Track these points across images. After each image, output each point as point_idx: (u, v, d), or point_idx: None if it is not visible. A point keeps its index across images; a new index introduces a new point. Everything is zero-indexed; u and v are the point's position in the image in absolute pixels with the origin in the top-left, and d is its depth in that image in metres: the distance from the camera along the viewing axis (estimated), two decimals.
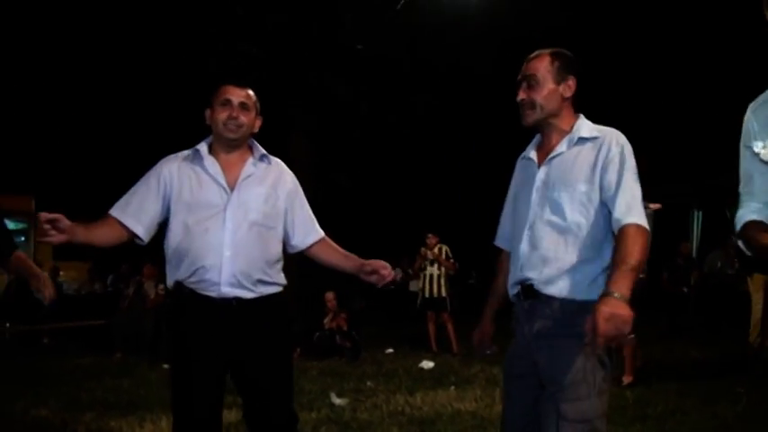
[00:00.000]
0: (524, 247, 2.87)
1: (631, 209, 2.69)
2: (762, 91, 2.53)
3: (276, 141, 3.50)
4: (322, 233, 3.55)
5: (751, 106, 2.47)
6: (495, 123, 15.68)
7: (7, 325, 12.00)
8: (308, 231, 3.51)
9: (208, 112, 3.36)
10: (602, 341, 2.47)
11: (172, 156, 3.41)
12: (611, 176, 2.74)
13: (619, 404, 6.43)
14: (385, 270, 3.40)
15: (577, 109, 2.98)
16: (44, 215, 2.99)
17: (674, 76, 16.16)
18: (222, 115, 3.27)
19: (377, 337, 11.64)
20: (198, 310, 3.20)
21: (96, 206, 3.65)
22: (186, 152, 3.38)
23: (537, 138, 3.04)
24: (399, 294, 17.19)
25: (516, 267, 2.91)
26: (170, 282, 3.30)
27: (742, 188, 2.49)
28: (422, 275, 10.93)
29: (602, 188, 2.76)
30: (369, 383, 7.97)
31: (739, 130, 2.60)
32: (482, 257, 18.81)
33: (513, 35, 13.74)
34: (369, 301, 18.08)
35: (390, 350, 10.84)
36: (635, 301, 2.53)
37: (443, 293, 10.69)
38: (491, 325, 3.23)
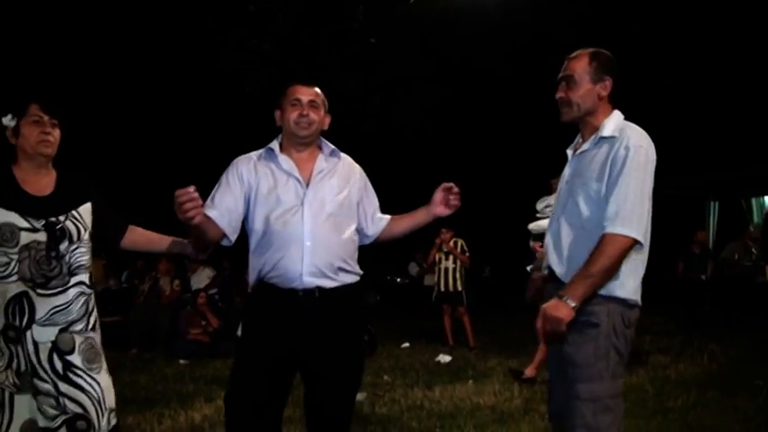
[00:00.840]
0: (548, 238, 3.13)
1: (618, 216, 2.84)
2: None
3: None
4: (387, 216, 3.67)
5: None
6: (508, 117, 15.66)
7: None
8: (379, 219, 3.64)
9: (278, 113, 3.47)
10: (541, 335, 2.88)
11: (244, 156, 3.50)
12: (612, 179, 2.90)
13: (639, 397, 6.40)
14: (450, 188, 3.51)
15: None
16: (181, 191, 2.94)
17: (694, 67, 16.06)
18: (293, 114, 3.39)
19: (392, 331, 11.64)
20: (279, 304, 3.30)
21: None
22: (259, 151, 3.48)
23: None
24: (414, 289, 17.20)
25: (546, 253, 3.16)
26: (252, 279, 3.40)
27: None
28: (437, 269, 10.88)
29: (609, 185, 2.91)
30: (386, 378, 7.95)
31: (755, 122, 2.57)
32: (496, 252, 18.82)
33: (526, 29, 13.73)
34: (383, 295, 18.10)
35: (406, 344, 10.80)
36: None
37: (459, 287, 10.64)
38: None
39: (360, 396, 6.73)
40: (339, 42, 13.14)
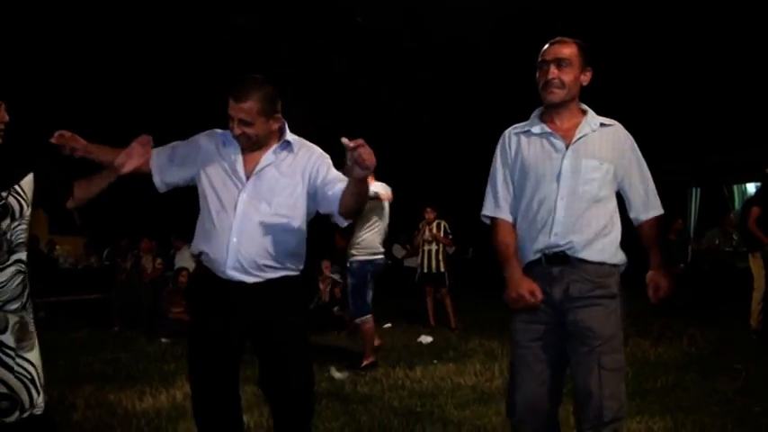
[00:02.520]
0: (560, 214, 3.19)
1: (656, 198, 3.37)
2: (762, 71, 2.58)
3: None
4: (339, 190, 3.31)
5: None
6: (493, 95, 15.62)
7: None
8: (335, 197, 3.31)
9: None
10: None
11: (218, 131, 3.50)
12: (636, 168, 3.33)
13: None
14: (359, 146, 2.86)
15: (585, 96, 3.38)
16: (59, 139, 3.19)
17: (673, 53, 16.07)
18: (229, 125, 3.31)
19: (374, 311, 11.61)
20: (212, 286, 3.36)
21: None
22: (222, 133, 3.47)
23: (536, 115, 3.37)
24: (396, 270, 17.17)
25: (546, 232, 3.22)
26: (193, 251, 3.51)
27: None
28: (420, 251, 10.89)
29: (626, 178, 3.31)
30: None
31: (738, 108, 2.66)
32: (479, 233, 18.82)
33: (512, 9, 13.67)
34: None
35: (388, 325, 10.82)
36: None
37: (441, 269, 10.65)
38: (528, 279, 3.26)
39: (341, 375, 6.82)
40: (324, 21, 13.05)
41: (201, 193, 3.42)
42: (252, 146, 3.34)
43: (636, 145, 3.33)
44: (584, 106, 3.35)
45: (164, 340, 9.71)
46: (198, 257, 3.45)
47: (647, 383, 6.27)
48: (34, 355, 3.17)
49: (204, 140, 3.48)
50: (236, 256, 3.26)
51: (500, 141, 3.45)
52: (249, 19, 12.78)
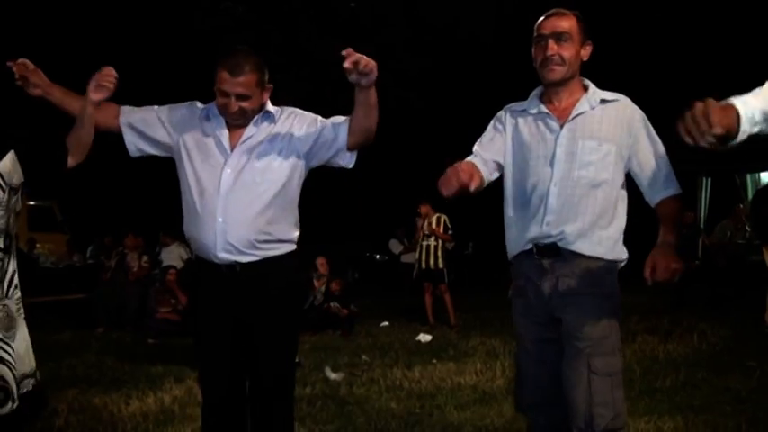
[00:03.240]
0: (553, 201, 2.97)
1: (673, 178, 3.02)
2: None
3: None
4: (345, 121, 3.25)
5: None
6: (492, 85, 15.50)
7: None
8: (339, 132, 3.25)
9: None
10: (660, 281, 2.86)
11: (198, 104, 3.36)
12: (647, 145, 3.00)
13: (626, 378, 6.13)
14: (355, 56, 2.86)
15: (588, 72, 3.14)
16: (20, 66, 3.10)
17: (683, 40, 15.98)
18: (220, 102, 3.17)
19: (371, 309, 11.62)
20: (205, 275, 3.30)
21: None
22: (204, 107, 3.33)
23: (536, 95, 3.14)
24: (394, 266, 17.07)
25: (537, 221, 3.00)
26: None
27: None
28: (418, 246, 10.75)
29: (635, 156, 3.00)
30: (364, 357, 7.89)
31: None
32: (479, 229, 18.70)
33: None
34: (362, 273, 17.97)
35: (386, 323, 10.75)
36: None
37: (440, 265, 10.53)
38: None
39: (337, 376, 6.81)
40: (317, 5, 12.89)
41: (181, 170, 3.29)
42: (245, 122, 3.23)
43: (646, 119, 3.03)
44: (587, 82, 3.10)
45: (151, 341, 9.63)
46: (189, 242, 3.41)
47: (656, 382, 6.14)
48: (19, 344, 3.16)
49: (187, 110, 3.34)
50: (225, 237, 3.15)
51: (496, 116, 3.28)
52: (239, 4, 12.70)
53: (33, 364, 3.25)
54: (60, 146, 3.23)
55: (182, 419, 5.30)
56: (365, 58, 2.84)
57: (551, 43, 2.96)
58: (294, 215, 3.36)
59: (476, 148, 3.22)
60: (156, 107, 3.35)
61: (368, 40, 13.29)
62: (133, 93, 3.29)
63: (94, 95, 3.04)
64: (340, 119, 3.26)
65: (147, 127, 3.30)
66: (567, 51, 2.96)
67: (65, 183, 3.51)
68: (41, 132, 3.31)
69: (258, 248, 3.20)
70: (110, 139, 3.31)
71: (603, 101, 3.01)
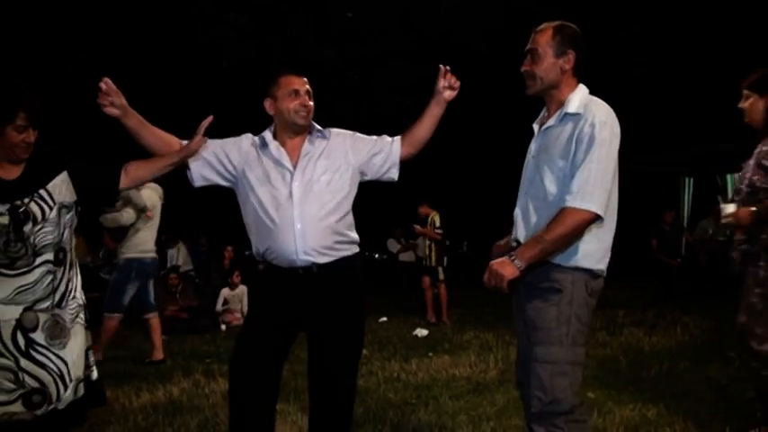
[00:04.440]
0: (517, 210, 3.21)
1: (581, 191, 2.88)
2: (755, 59, 2.55)
3: (263, 111, 3.64)
4: (396, 139, 3.75)
5: None
6: (486, 92, 15.64)
7: None
8: (392, 147, 3.72)
9: (269, 103, 3.60)
10: (487, 285, 2.94)
11: (251, 136, 3.69)
12: (578, 156, 2.94)
13: (612, 368, 6.50)
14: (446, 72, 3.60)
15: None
16: (107, 83, 3.28)
17: (667, 42, 16.09)
18: (293, 104, 3.52)
19: (371, 306, 11.54)
20: (281, 281, 3.52)
21: None
22: (257, 138, 3.66)
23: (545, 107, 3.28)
24: (392, 265, 17.22)
25: (515, 226, 3.22)
26: (255, 253, 3.64)
27: None
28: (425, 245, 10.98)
29: (571, 160, 2.96)
30: (364, 351, 7.79)
31: (731, 98, 2.63)
32: (474, 227, 18.86)
33: (506, 5, 13.67)
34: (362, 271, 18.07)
35: (384, 319, 10.84)
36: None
37: (433, 263, 10.69)
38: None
39: None
40: (316, 16, 13.01)
41: (249, 193, 3.56)
42: (306, 123, 3.57)
43: (597, 133, 2.91)
44: (575, 93, 3.11)
45: (163, 338, 9.60)
46: (262, 256, 3.58)
47: (641, 372, 6.32)
48: (66, 353, 3.31)
49: (245, 142, 3.65)
50: (305, 241, 3.42)
51: None
52: (240, 15, 12.80)
53: (83, 368, 3.41)
54: (114, 169, 3.47)
55: (189, 410, 5.44)
56: (455, 76, 3.55)
57: (527, 60, 3.17)
58: (353, 222, 3.65)
59: None
60: (216, 140, 3.62)
61: (365, 47, 13.45)
62: (136, 104, 3.52)
63: (197, 148, 3.40)
64: (386, 137, 3.75)
65: (213, 158, 3.59)
66: (538, 67, 3.12)
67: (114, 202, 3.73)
68: (96, 154, 3.52)
69: (334, 249, 3.49)
70: (120, 145, 3.57)
71: (567, 114, 3.05)
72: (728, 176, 14.53)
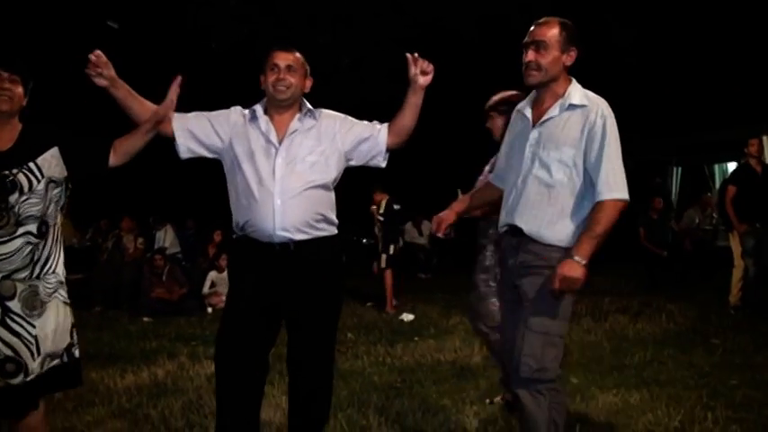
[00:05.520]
0: (514, 196, 3.33)
1: (610, 183, 3.13)
2: (743, 50, 2.56)
3: (255, 93, 3.66)
4: (384, 127, 3.72)
5: None
6: (476, 79, 15.61)
7: None
8: (379, 134, 3.70)
9: (261, 78, 3.62)
10: (557, 293, 3.13)
11: (241, 109, 3.71)
12: (595, 149, 3.16)
13: (596, 354, 6.53)
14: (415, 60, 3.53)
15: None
16: (98, 55, 3.31)
17: (655, 32, 16.09)
18: (271, 78, 3.54)
19: (357, 290, 11.68)
20: (258, 256, 3.54)
21: None
22: (246, 111, 3.67)
23: (532, 95, 3.42)
24: (376, 249, 17.21)
25: (506, 211, 3.38)
26: (234, 226, 3.65)
27: None
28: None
29: (586, 157, 3.18)
30: (349, 335, 8.01)
31: (719, 88, 2.65)
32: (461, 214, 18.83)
33: None
34: (348, 255, 18.09)
35: (370, 303, 10.87)
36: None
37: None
38: (453, 216, 3.71)
39: None
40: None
41: (234, 165, 3.59)
42: (288, 99, 3.56)
43: (608, 125, 3.16)
44: (571, 85, 3.30)
45: (146, 319, 9.74)
46: (241, 229, 3.59)
47: (624, 358, 6.35)
48: (40, 324, 3.29)
49: (233, 114, 3.67)
50: (283, 217, 3.45)
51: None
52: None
53: (62, 345, 3.37)
54: (103, 146, 3.46)
55: (174, 392, 5.47)
56: (426, 60, 3.48)
57: (531, 51, 3.25)
58: (334, 204, 3.67)
59: (498, 167, 3.67)
60: (204, 113, 3.64)
61: (356, 31, 13.40)
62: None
63: (168, 111, 3.41)
64: (377, 124, 3.73)
65: (200, 131, 3.60)
66: (544, 59, 3.22)
67: (104, 180, 3.73)
68: (86, 132, 3.49)
69: (312, 227, 3.51)
70: (110, 127, 3.56)
71: (572, 106, 3.22)
72: (716, 166, 14.63)
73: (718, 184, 14.42)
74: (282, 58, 3.54)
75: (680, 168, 15.43)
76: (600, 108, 3.20)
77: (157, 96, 3.52)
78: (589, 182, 3.20)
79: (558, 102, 3.26)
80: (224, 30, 13.79)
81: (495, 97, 4.59)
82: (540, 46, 3.22)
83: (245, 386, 3.57)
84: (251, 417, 3.64)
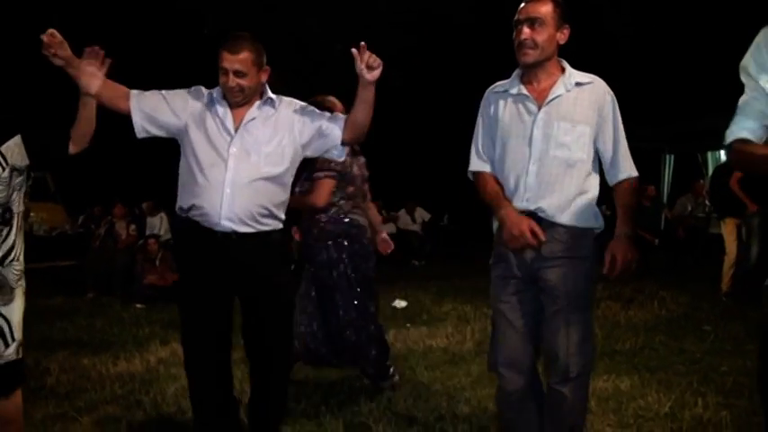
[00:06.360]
0: (531, 179, 3.18)
1: (630, 161, 3.24)
2: (736, 36, 2.55)
3: None
4: (341, 121, 3.62)
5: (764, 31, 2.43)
6: (471, 64, 15.60)
7: None
8: (335, 129, 3.60)
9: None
10: (614, 278, 3.16)
11: (202, 89, 3.61)
12: (610, 128, 3.21)
13: None
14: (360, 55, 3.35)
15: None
16: (51, 34, 3.20)
17: (651, 18, 16.07)
18: (221, 80, 3.44)
19: None
20: (200, 241, 3.49)
21: None
22: (208, 91, 3.58)
23: (517, 75, 3.30)
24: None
25: (518, 198, 3.21)
26: (177, 206, 3.58)
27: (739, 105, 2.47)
28: None
29: (600, 136, 3.21)
30: None
31: (712, 75, 2.63)
32: (454, 200, 18.88)
33: None
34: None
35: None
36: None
37: None
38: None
39: None
40: None
41: (188, 148, 3.50)
42: (243, 99, 3.47)
43: (615, 102, 3.23)
44: (564, 64, 3.27)
45: (138, 306, 9.76)
46: (185, 212, 3.52)
47: (616, 345, 6.37)
48: (9, 311, 3.38)
49: (192, 95, 3.57)
50: (231, 207, 3.40)
51: (482, 100, 3.44)
52: None
53: (19, 336, 3.46)
54: (64, 134, 3.47)
55: (166, 379, 5.49)
56: (373, 55, 3.30)
57: (525, 28, 3.12)
58: (287, 197, 3.62)
59: (480, 153, 3.38)
60: (163, 92, 3.54)
61: (349, 17, 13.34)
62: (119, 73, 3.50)
63: (90, 88, 3.34)
64: (338, 116, 3.65)
65: (156, 111, 3.49)
66: (540, 36, 3.12)
67: (66, 167, 3.75)
68: (47, 120, 3.53)
69: (256, 221, 3.46)
70: (101, 115, 3.55)
71: (579, 83, 3.19)
72: (709, 154, 14.62)
73: (710, 172, 14.45)
74: (229, 62, 3.38)
75: (673, 156, 15.42)
76: (603, 84, 3.22)
77: (148, 82, 3.51)
78: (596, 160, 3.24)
79: (560, 80, 3.20)
80: (216, 15, 13.76)
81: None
82: (534, 22, 3.12)
83: (211, 365, 3.57)
84: (224, 392, 3.67)
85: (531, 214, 3.15)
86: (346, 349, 4.85)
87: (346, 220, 4.81)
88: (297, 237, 5.03)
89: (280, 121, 3.55)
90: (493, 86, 3.41)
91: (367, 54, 3.29)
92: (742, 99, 2.43)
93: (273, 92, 3.60)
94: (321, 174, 4.65)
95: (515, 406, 3.32)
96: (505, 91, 3.32)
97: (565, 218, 3.15)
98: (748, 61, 2.40)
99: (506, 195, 3.25)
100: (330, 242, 4.77)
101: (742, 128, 2.40)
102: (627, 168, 3.23)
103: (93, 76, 3.34)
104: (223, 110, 3.50)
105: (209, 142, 3.45)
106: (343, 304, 4.78)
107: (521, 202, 3.19)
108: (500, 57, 3.74)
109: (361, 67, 3.32)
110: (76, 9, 14.82)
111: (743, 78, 2.42)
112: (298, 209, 4.61)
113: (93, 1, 14.96)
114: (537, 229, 3.09)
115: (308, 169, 4.62)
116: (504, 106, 3.31)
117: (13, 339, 3.38)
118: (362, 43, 3.31)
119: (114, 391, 5.24)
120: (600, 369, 5.42)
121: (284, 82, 3.74)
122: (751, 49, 2.40)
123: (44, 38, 3.19)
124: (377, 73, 3.35)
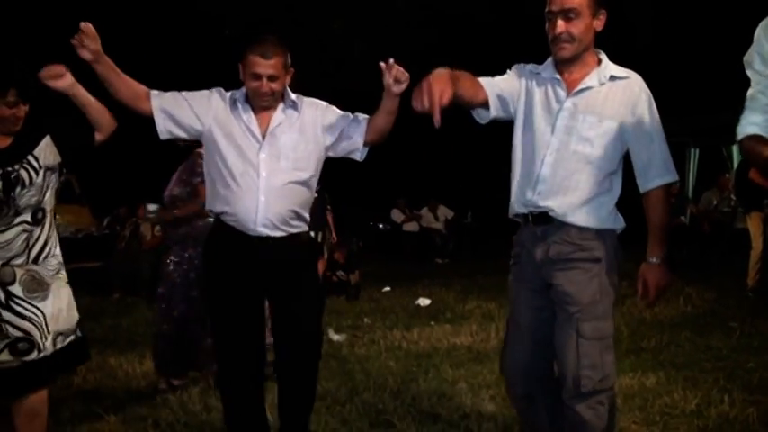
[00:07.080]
0: (545, 171, 3.00)
1: (668, 164, 2.98)
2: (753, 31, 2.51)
3: None
4: (363, 123, 3.60)
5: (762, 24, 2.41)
6: (491, 62, 15.53)
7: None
8: (358, 131, 3.59)
9: (240, 68, 3.46)
10: (650, 304, 3.08)
11: (222, 90, 3.58)
12: (646, 126, 2.95)
13: (614, 338, 6.45)
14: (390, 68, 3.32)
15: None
16: (87, 26, 3.20)
17: (671, 9, 15.94)
18: (253, 85, 3.41)
19: (374, 276, 11.68)
20: (235, 244, 3.50)
21: None
22: (229, 96, 3.54)
23: (552, 62, 3.08)
24: (395, 235, 17.29)
25: (530, 188, 3.03)
26: (208, 208, 3.65)
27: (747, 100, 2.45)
28: None
29: (632, 136, 2.96)
30: (366, 320, 8.04)
31: (736, 67, 2.59)
32: (477, 198, 18.86)
33: None
34: (366, 241, 18.20)
35: (387, 288, 10.84)
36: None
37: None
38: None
39: (339, 337, 6.93)
40: None
41: (215, 152, 3.50)
42: (272, 103, 3.48)
43: (652, 101, 2.99)
44: (602, 55, 3.06)
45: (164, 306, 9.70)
46: (217, 216, 3.57)
47: (641, 341, 6.32)
48: (45, 305, 3.46)
49: (214, 98, 3.55)
50: (266, 214, 3.42)
51: (516, 67, 3.23)
52: None
53: (72, 323, 3.57)
54: (85, 125, 3.53)
55: (192, 377, 5.46)
56: (402, 69, 3.26)
57: (560, 21, 2.90)
58: (312, 198, 3.68)
59: (488, 79, 3.17)
60: (183, 93, 3.51)
61: (371, 17, 13.33)
62: (141, 75, 3.51)
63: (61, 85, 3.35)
64: (361, 117, 3.60)
65: (179, 112, 3.47)
66: (576, 28, 2.90)
67: (95, 158, 3.79)
68: (70, 114, 3.57)
69: (288, 224, 3.49)
70: (125, 116, 3.59)
71: (613, 77, 2.99)
72: (734, 147, 14.47)
73: (735, 166, 14.31)
74: (264, 68, 3.36)
75: (698, 150, 15.28)
76: (641, 81, 3.00)
77: (169, 83, 3.52)
78: (621, 159, 3.01)
79: (594, 71, 3.00)
80: (237, 16, 13.79)
81: None
82: (569, 14, 2.88)
83: (247, 372, 3.60)
84: (257, 400, 3.68)
85: (542, 216, 3.01)
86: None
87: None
88: None
89: (305, 124, 3.54)
90: (527, 66, 3.21)
91: (395, 68, 3.27)
92: (749, 93, 2.41)
93: (294, 91, 3.59)
94: (199, 179, 4.77)
95: (525, 411, 3.22)
96: (539, 73, 3.13)
97: (577, 217, 2.95)
98: (752, 56, 2.39)
99: (518, 182, 3.10)
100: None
101: (749, 123, 2.39)
102: (663, 173, 2.97)
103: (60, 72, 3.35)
104: (247, 114, 3.49)
105: (237, 148, 3.45)
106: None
107: (533, 194, 3.01)
108: (520, 55, 3.69)
109: (389, 81, 3.29)
110: (96, 10, 14.91)
111: (748, 73, 2.40)
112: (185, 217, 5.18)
113: (113, 2, 15.03)
114: (446, 92, 2.69)
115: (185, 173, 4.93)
116: (535, 88, 3.12)
117: (49, 332, 3.46)
118: (391, 60, 3.28)
119: (140, 389, 5.30)
120: (625, 366, 5.40)
121: (304, 81, 3.73)
122: (753, 44, 2.39)
123: (82, 25, 3.22)
124: (404, 86, 3.30)
